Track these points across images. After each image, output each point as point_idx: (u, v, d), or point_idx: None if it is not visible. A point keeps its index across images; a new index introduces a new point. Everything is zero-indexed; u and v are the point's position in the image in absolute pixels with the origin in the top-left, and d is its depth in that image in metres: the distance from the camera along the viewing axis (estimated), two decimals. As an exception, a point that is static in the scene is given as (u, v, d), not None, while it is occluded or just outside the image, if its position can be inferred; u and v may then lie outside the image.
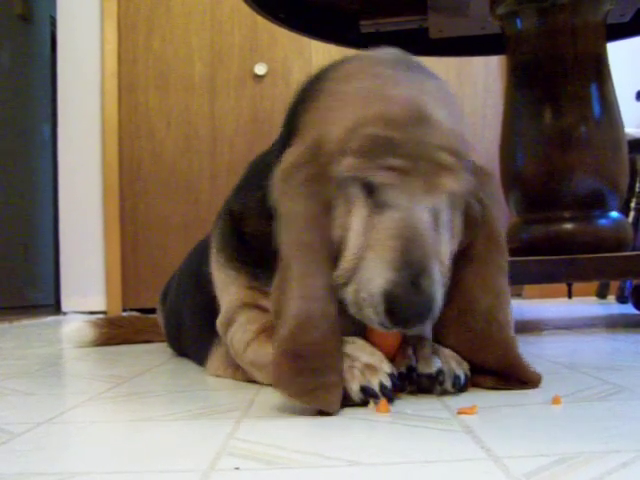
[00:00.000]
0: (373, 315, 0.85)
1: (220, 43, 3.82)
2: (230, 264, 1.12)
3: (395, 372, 0.90)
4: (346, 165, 0.87)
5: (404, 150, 0.85)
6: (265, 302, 1.04)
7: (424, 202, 0.87)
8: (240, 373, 1.13)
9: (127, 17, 3.83)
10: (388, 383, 0.87)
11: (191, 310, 1.36)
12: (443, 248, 0.91)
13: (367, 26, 2.14)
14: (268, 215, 0.95)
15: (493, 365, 0.96)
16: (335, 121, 0.89)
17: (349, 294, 0.88)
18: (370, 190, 0.87)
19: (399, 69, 0.93)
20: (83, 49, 3.83)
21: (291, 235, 0.89)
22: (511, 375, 0.96)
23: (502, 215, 1.01)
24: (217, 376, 1.20)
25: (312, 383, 0.84)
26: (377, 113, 0.87)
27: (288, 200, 0.90)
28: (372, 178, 0.86)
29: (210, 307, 1.17)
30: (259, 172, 1.07)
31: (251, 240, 1.08)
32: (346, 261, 0.88)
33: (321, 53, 3.76)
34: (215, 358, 1.22)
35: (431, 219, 0.88)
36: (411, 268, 0.83)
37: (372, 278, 0.85)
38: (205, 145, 3.79)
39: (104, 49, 3.80)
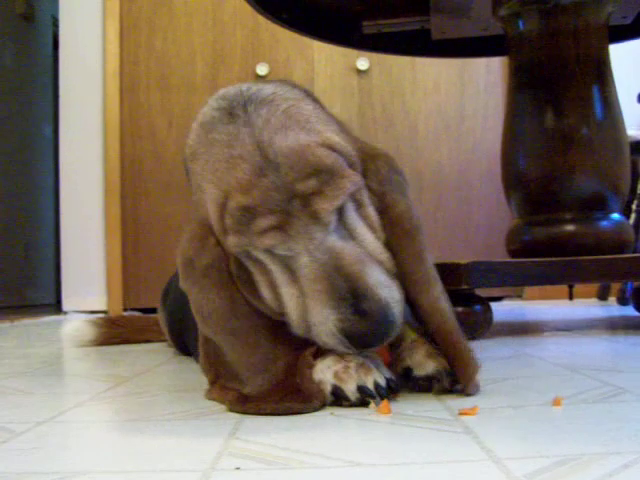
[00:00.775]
0: (344, 349, 0.87)
1: (222, 43, 3.82)
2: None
3: (389, 374, 0.90)
4: (231, 245, 0.87)
5: (268, 205, 0.84)
6: None
7: (319, 233, 0.86)
8: None
9: (129, 17, 3.83)
10: (382, 381, 0.88)
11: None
12: (370, 246, 0.91)
13: (369, 27, 2.14)
14: None
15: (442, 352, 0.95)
16: (206, 200, 0.90)
17: (317, 341, 0.89)
18: (268, 254, 0.88)
19: (231, 119, 0.91)
20: (85, 49, 3.84)
21: (212, 328, 0.93)
22: (453, 359, 0.93)
23: (405, 196, 0.96)
24: None
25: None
26: (230, 183, 0.86)
27: (195, 293, 0.93)
28: (257, 247, 0.86)
29: None
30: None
31: None
32: (291, 315, 0.89)
33: (323, 54, 3.76)
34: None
35: (336, 236, 0.88)
36: (346, 299, 0.84)
37: (322, 323, 0.86)
38: (206, 145, 3.78)
39: (106, 49, 3.80)
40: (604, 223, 1.76)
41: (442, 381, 0.92)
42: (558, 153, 1.76)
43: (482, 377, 1.00)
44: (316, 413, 0.86)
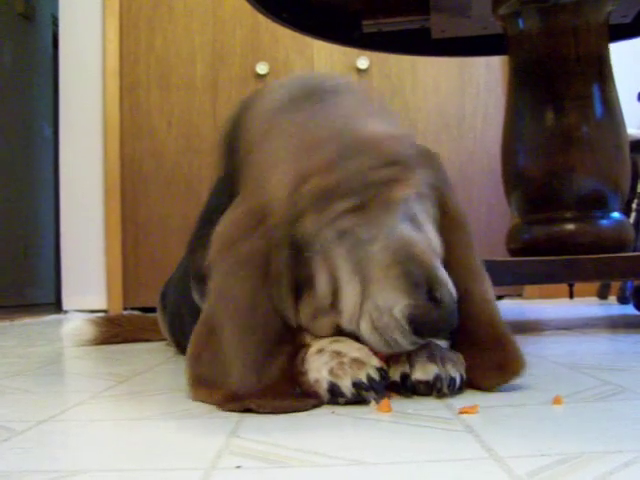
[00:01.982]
0: (401, 338, 0.87)
1: (222, 42, 3.82)
2: (201, 297, 1.13)
3: (384, 367, 0.90)
4: (309, 222, 0.87)
5: (350, 187, 0.86)
6: None
7: (393, 221, 0.88)
8: None
9: (129, 16, 3.83)
10: (376, 376, 0.87)
11: (190, 308, 1.36)
12: (433, 239, 0.93)
13: (370, 26, 2.14)
14: None
15: (480, 341, 0.96)
16: (274, 182, 0.89)
17: (363, 330, 0.89)
18: (341, 235, 0.88)
19: (308, 104, 0.92)
20: (85, 48, 3.83)
21: (227, 308, 0.90)
22: (497, 350, 0.95)
23: (454, 192, 1.01)
24: None
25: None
26: (310, 165, 0.87)
27: (224, 276, 0.90)
28: (335, 228, 0.87)
29: None
30: (210, 211, 1.10)
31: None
32: (348, 304, 0.89)
33: (323, 53, 3.76)
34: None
35: (408, 225, 0.90)
36: (421, 286, 0.85)
37: (390, 307, 0.86)
38: (206, 144, 3.79)
39: (106, 48, 3.80)
40: (604, 222, 1.76)
41: (442, 389, 0.91)
42: (558, 152, 1.76)
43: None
44: (317, 412, 0.86)
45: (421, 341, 0.88)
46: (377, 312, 0.87)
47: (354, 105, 0.92)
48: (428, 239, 0.92)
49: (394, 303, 0.85)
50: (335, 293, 0.90)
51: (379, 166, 0.87)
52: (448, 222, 0.97)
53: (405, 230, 0.89)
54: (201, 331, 0.94)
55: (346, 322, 0.90)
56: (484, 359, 0.96)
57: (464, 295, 0.94)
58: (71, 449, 0.75)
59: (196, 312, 1.30)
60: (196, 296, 1.16)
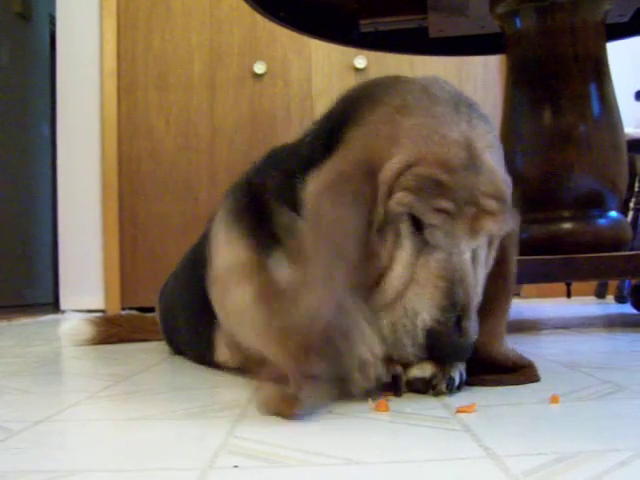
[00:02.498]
0: (409, 344, 0.90)
1: (219, 42, 3.82)
2: (236, 224, 1.10)
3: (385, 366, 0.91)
4: (399, 200, 0.89)
5: (454, 194, 0.89)
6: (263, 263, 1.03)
7: (467, 245, 0.91)
8: (240, 355, 1.11)
9: (126, 16, 3.82)
10: (400, 370, 0.91)
11: (188, 308, 1.36)
12: (479, 286, 0.96)
13: (367, 25, 2.14)
14: (288, 198, 1.00)
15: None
16: (391, 151, 0.91)
17: (385, 318, 0.91)
18: (418, 227, 0.90)
19: (454, 109, 0.94)
20: (82, 48, 3.83)
21: (324, 241, 0.88)
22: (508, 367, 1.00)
23: (516, 257, 1.05)
24: (225, 363, 1.19)
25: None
26: (433, 155, 0.89)
27: (330, 205, 0.89)
28: (422, 217, 0.89)
29: (208, 304, 1.16)
30: (282, 158, 1.10)
31: (266, 213, 1.07)
32: (387, 291, 0.91)
33: (321, 52, 3.76)
34: (220, 344, 1.20)
35: (472, 258, 0.93)
36: (455, 310, 0.88)
37: (417, 312, 0.89)
38: (204, 144, 3.79)
39: (103, 48, 3.80)
40: (602, 221, 1.76)
41: (439, 385, 0.92)
42: (556, 151, 1.76)
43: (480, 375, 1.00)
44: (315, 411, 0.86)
45: (423, 357, 0.90)
46: (403, 311, 0.90)
47: (486, 134, 0.95)
48: (477, 281, 0.94)
49: (424, 310, 0.89)
50: (384, 273, 0.91)
51: (487, 194, 0.90)
52: (497, 278, 1.01)
53: (469, 259, 0.92)
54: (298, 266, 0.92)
55: (378, 302, 0.92)
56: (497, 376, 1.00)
57: (482, 348, 0.97)
58: (68, 449, 0.75)
59: (197, 305, 1.29)
60: (221, 230, 1.12)
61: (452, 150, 0.90)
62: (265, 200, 1.08)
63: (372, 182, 0.90)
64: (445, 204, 0.88)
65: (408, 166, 0.89)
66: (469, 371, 0.96)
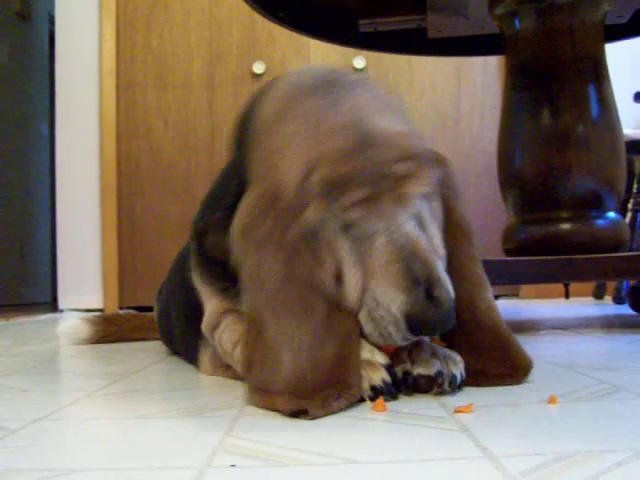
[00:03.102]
0: (395, 332, 0.87)
1: (218, 41, 3.82)
2: (205, 280, 1.13)
3: (391, 363, 0.91)
4: (314, 211, 0.87)
5: (362, 178, 0.86)
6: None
7: (401, 216, 0.88)
8: (231, 372, 1.13)
9: (125, 15, 3.82)
10: (388, 378, 0.89)
11: (179, 312, 1.36)
12: (436, 241, 0.93)
13: (366, 25, 2.14)
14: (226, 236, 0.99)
15: (486, 349, 0.97)
16: (285, 167, 0.89)
17: (361, 318, 0.89)
18: (347, 226, 0.88)
19: (326, 93, 0.92)
20: (81, 47, 3.83)
21: (263, 296, 0.88)
22: (504, 357, 0.97)
23: (462, 200, 1.01)
24: (209, 375, 1.20)
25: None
26: (321, 153, 0.87)
27: (252, 257, 0.89)
28: (344, 218, 0.87)
29: (196, 310, 1.17)
30: (218, 195, 1.10)
31: (214, 259, 1.09)
32: (349, 295, 0.89)
33: (320, 52, 3.76)
34: (205, 359, 1.22)
35: (415, 223, 0.90)
36: (420, 284, 0.85)
37: (387, 301, 0.86)
38: (203, 143, 3.79)
39: (102, 47, 3.80)
40: (600, 222, 1.76)
41: (443, 384, 0.92)
42: (554, 152, 1.76)
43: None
44: (312, 411, 0.86)
45: (414, 338, 0.88)
46: (374, 304, 0.87)
47: (372, 100, 0.92)
48: (432, 240, 0.92)
49: (392, 298, 0.86)
50: (339, 281, 0.89)
51: (393, 160, 0.87)
52: (453, 229, 0.98)
53: (411, 227, 0.88)
54: (249, 330, 0.91)
55: (349, 309, 0.90)
56: (489, 364, 0.98)
57: (467, 302, 0.96)
58: (66, 448, 0.75)
59: (182, 314, 1.30)
60: (198, 282, 1.14)
61: (337, 138, 0.87)
62: (210, 248, 1.09)
63: (280, 210, 0.88)
64: (358, 194, 0.86)
65: (306, 175, 0.86)
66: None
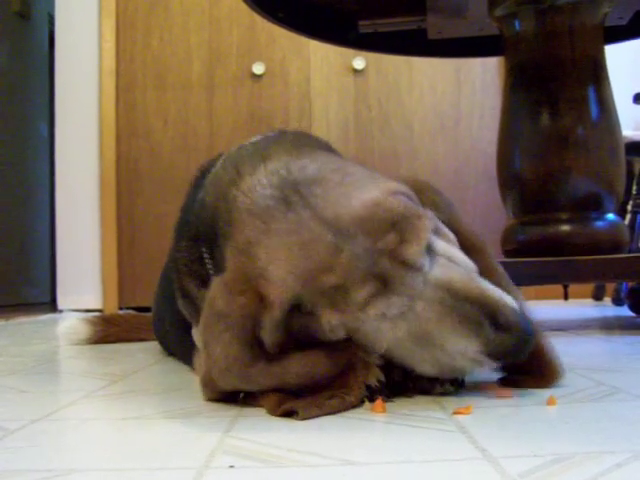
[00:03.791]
0: (482, 368, 0.86)
1: (218, 42, 3.82)
2: (187, 308, 1.14)
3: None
4: (333, 322, 0.85)
5: (356, 277, 0.83)
6: None
7: (417, 278, 0.84)
8: None
9: (125, 15, 3.82)
10: (383, 378, 0.89)
11: (171, 320, 1.36)
12: (462, 259, 0.91)
13: (366, 26, 2.14)
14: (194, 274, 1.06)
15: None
16: (272, 278, 0.86)
17: (429, 370, 0.88)
18: (377, 320, 0.85)
19: (285, 204, 0.90)
20: (81, 47, 3.83)
21: (233, 377, 0.88)
22: (537, 363, 0.95)
23: (460, 216, 1.00)
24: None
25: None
26: (308, 270, 0.84)
27: (214, 345, 0.88)
28: (365, 319, 0.85)
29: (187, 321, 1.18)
30: (183, 227, 1.12)
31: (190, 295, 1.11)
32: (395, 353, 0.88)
33: (319, 53, 3.76)
34: (199, 364, 1.22)
35: (439, 266, 0.86)
36: (483, 321, 0.83)
37: (462, 352, 0.84)
38: (202, 144, 3.79)
39: (102, 47, 3.80)
40: (599, 223, 1.76)
41: (445, 384, 0.92)
42: (554, 153, 1.76)
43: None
44: (311, 412, 0.86)
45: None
46: (450, 359, 0.86)
47: (335, 190, 0.88)
48: (464, 266, 0.89)
49: (465, 348, 0.84)
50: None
51: (379, 237, 0.83)
52: (467, 248, 0.95)
53: (435, 276, 0.85)
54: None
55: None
56: (521, 367, 0.96)
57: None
58: (65, 448, 0.75)
59: (179, 317, 1.30)
60: (184, 311, 1.16)
61: (317, 247, 0.84)
62: (186, 284, 1.11)
63: (257, 302, 0.86)
64: (361, 294, 0.83)
65: (301, 288, 0.84)
66: None
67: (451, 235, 0.93)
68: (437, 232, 0.91)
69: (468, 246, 0.96)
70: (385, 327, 0.85)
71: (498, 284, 0.93)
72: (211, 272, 1.03)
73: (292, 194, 0.90)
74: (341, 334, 0.87)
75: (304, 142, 1.07)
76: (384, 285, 0.83)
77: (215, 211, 1.01)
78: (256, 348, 0.87)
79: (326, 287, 0.83)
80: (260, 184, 0.95)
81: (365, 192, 0.88)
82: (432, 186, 0.99)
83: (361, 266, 0.83)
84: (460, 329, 0.83)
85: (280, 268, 0.86)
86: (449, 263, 0.88)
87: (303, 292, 0.85)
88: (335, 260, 0.83)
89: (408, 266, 0.84)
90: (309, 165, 0.93)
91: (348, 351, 0.88)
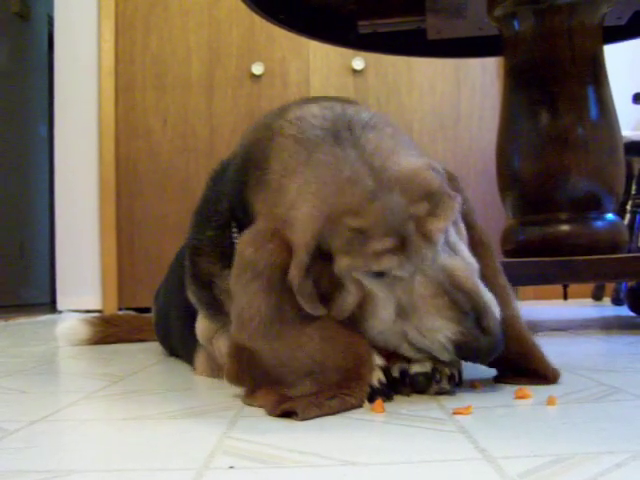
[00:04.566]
0: (442, 356, 0.89)
1: (218, 42, 3.82)
2: (198, 299, 1.15)
3: (388, 366, 0.92)
4: (342, 266, 0.87)
5: (385, 228, 0.85)
6: None
7: (432, 253, 0.87)
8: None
9: (125, 16, 3.82)
10: (384, 379, 0.89)
11: (177, 314, 1.36)
12: (468, 258, 0.93)
13: (365, 27, 2.14)
14: (220, 255, 1.04)
15: (512, 359, 0.97)
16: (302, 216, 0.88)
17: (403, 351, 0.91)
18: (378, 274, 0.88)
19: (335, 140, 0.91)
20: (80, 48, 3.83)
21: (251, 331, 0.89)
22: (529, 368, 0.98)
23: (475, 212, 1.02)
24: (204, 376, 1.21)
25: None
26: (343, 203, 0.86)
27: (240, 295, 0.90)
28: (374, 269, 0.86)
29: (193, 313, 1.18)
30: (208, 213, 1.11)
31: (205, 282, 1.11)
32: (374, 328, 0.90)
33: (319, 53, 3.76)
34: (200, 362, 1.22)
35: (447, 254, 0.89)
36: (469, 314, 0.86)
37: (435, 331, 0.87)
38: (202, 144, 3.79)
39: (101, 48, 3.80)
40: (599, 223, 1.76)
41: (441, 382, 0.92)
42: (553, 153, 1.76)
43: (476, 378, 1.01)
44: (310, 412, 0.86)
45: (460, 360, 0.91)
46: (419, 336, 0.88)
47: (387, 141, 0.91)
48: (467, 263, 0.92)
49: (440, 328, 0.86)
50: (362, 312, 0.90)
51: (413, 202, 0.86)
52: (475, 243, 0.98)
53: (443, 260, 0.88)
54: (231, 349, 0.93)
55: (373, 336, 0.91)
56: (515, 372, 0.98)
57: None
58: (64, 449, 0.75)
59: (185, 313, 1.30)
60: (192, 298, 1.16)
61: (352, 190, 0.86)
62: (208, 267, 1.10)
63: (291, 259, 0.87)
64: (381, 244, 0.85)
65: (328, 229, 0.86)
66: None
67: (463, 230, 0.96)
68: (455, 222, 0.93)
69: (477, 242, 0.98)
70: (381, 282, 0.88)
71: (496, 285, 0.97)
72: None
73: (344, 130, 0.92)
74: (348, 287, 0.88)
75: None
76: (401, 246, 0.86)
77: (253, 148, 1.00)
78: (284, 300, 0.88)
79: (349, 229, 0.85)
80: (312, 114, 0.96)
81: (413, 157, 0.91)
82: (459, 182, 1.01)
83: (389, 220, 0.85)
84: (444, 311, 0.86)
85: (307, 202, 0.88)
86: (453, 253, 0.91)
87: (325, 231, 0.86)
88: (368, 205, 0.85)
89: (427, 238, 0.87)
90: (363, 112, 0.95)
91: (359, 348, 0.89)
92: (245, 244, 0.91)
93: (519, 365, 0.98)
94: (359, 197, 0.86)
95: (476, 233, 1.00)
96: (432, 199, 0.87)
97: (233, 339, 0.92)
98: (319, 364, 0.87)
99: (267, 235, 0.89)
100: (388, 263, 0.86)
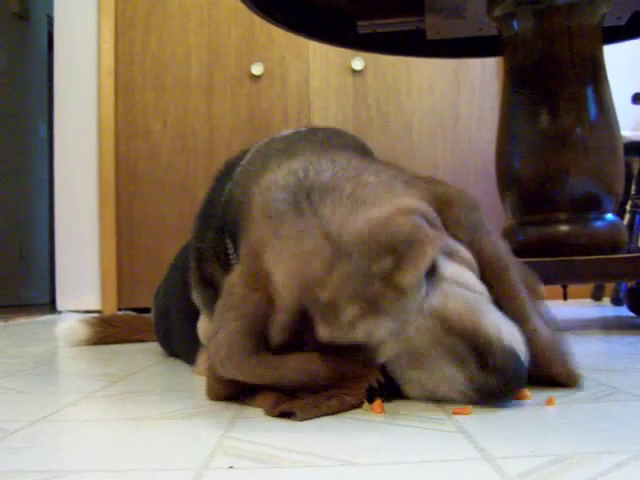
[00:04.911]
0: (469, 401, 0.84)
1: (217, 43, 3.82)
2: (202, 300, 1.16)
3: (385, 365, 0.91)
4: (324, 337, 0.84)
5: (348, 296, 0.81)
6: None
7: (410, 304, 0.83)
8: None
9: (124, 16, 3.82)
10: (382, 379, 0.88)
11: (179, 314, 1.36)
12: (472, 282, 0.89)
13: (364, 27, 2.14)
14: (220, 260, 1.07)
15: (532, 374, 0.91)
16: (278, 284, 0.87)
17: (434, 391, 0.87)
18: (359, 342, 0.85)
19: (296, 209, 0.90)
20: (80, 48, 3.83)
21: (231, 366, 0.89)
22: (548, 375, 0.94)
23: (488, 234, 0.95)
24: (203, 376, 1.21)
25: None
26: (308, 279, 0.84)
27: (221, 329, 0.90)
28: (353, 338, 0.83)
29: (195, 313, 1.18)
30: (207, 217, 1.14)
31: (209, 282, 1.12)
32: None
33: (318, 53, 3.77)
34: (202, 362, 1.22)
35: (435, 295, 0.85)
36: (470, 361, 0.81)
37: (449, 381, 0.83)
38: (201, 145, 3.79)
39: (101, 48, 3.80)
40: (598, 223, 1.76)
41: None
42: (552, 154, 1.76)
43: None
44: (310, 412, 0.86)
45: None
46: (432, 383, 0.85)
47: (345, 202, 0.88)
48: (467, 294, 0.87)
49: (452, 378, 0.83)
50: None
51: (375, 260, 0.82)
52: (485, 271, 0.93)
53: (429, 305, 0.83)
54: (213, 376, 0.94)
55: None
56: (534, 382, 0.95)
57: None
58: (64, 449, 0.75)
59: (187, 313, 1.31)
60: (197, 299, 1.17)
61: (315, 260, 0.84)
62: (211, 272, 1.12)
63: (268, 304, 0.87)
64: (350, 313, 0.81)
65: (297, 300, 0.84)
66: None
67: (468, 257, 0.91)
68: (450, 254, 0.89)
69: (488, 261, 0.93)
70: (375, 346, 0.85)
71: (513, 302, 0.93)
72: (233, 263, 1.04)
73: (304, 200, 0.90)
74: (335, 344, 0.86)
75: (334, 141, 1.08)
76: (373, 307, 0.82)
77: (239, 206, 1.03)
78: (261, 342, 0.88)
79: (320, 302, 0.83)
80: (276, 185, 0.95)
81: (374, 209, 0.86)
82: (465, 198, 0.95)
83: (351, 286, 0.82)
84: (445, 361, 0.82)
85: (283, 273, 0.87)
86: (454, 289, 0.86)
87: (301, 300, 0.85)
88: (329, 276, 0.83)
89: (400, 291, 0.82)
90: (327, 170, 0.93)
91: (349, 358, 0.88)
92: (234, 284, 0.92)
93: (539, 376, 0.94)
94: (320, 269, 0.83)
95: (486, 261, 0.93)
96: (397, 251, 0.82)
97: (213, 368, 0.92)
98: (309, 374, 0.87)
99: (255, 282, 0.89)
100: (365, 329, 0.82)
